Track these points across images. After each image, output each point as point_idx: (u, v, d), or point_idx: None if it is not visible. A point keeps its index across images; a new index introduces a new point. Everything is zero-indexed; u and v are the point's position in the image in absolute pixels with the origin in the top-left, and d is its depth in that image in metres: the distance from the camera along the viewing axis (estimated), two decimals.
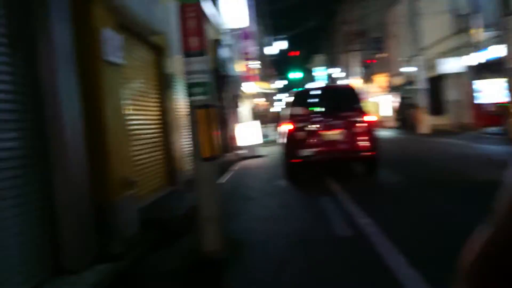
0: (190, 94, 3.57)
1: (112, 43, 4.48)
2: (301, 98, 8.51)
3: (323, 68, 51.38)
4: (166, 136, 6.74)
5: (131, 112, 5.13)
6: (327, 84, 33.36)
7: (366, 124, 7.48)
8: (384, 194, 6.23)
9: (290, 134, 7.65)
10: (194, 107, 3.56)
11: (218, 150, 3.64)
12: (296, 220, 5.06)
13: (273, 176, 9.04)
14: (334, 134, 7.48)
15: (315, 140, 7.49)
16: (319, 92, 8.83)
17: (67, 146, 3.49)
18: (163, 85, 6.85)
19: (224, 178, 9.27)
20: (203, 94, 3.58)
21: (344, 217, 4.90)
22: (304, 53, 53.35)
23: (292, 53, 47.15)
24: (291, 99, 8.53)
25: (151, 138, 5.82)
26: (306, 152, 7.46)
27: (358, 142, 7.41)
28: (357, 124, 7.44)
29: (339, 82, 35.43)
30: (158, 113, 6.59)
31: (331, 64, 47.85)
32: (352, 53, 35.02)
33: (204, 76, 3.59)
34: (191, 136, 3.59)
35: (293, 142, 7.59)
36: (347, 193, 6.23)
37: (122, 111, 4.75)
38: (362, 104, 7.83)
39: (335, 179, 7.50)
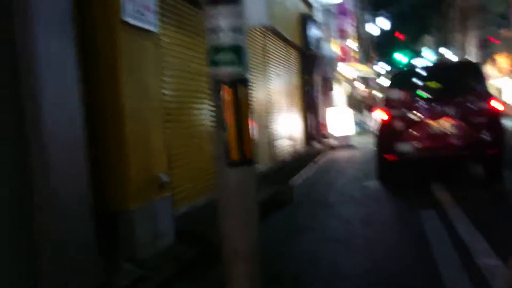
0: (213, 63, 2.33)
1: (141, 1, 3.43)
2: (403, 79, 6.77)
3: (433, 51, 46.28)
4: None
5: (171, 93, 4.07)
6: (438, 61, 29.51)
7: (492, 113, 5.54)
8: None
9: (385, 124, 6.04)
10: (218, 83, 2.32)
11: (252, 150, 2.34)
12: (383, 249, 3.57)
13: (363, 174, 7.46)
14: (445, 124, 5.67)
15: (418, 132, 5.78)
16: (427, 71, 6.87)
17: (50, 133, 2.50)
18: None
19: (304, 174, 7.95)
20: (233, 64, 2.31)
21: (458, 249, 3.30)
22: (411, 33, 48.50)
23: (397, 34, 43.02)
24: (391, 81, 6.84)
25: (199, 126, 4.71)
26: (405, 146, 5.80)
27: (480, 136, 5.52)
28: (479, 112, 5.53)
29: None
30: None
31: (442, 45, 42.78)
32: (469, 32, 30.60)
33: (236, 36, 2.31)
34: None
35: (388, 133, 5.97)
36: (461, 208, 4.50)
37: (156, 91, 3.71)
38: (487, 86, 5.85)
39: (444, 184, 5.71)
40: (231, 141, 2.31)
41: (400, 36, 43.50)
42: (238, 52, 2.35)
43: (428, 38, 51.19)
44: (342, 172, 8.03)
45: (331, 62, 14.70)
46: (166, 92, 3.93)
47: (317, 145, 12.40)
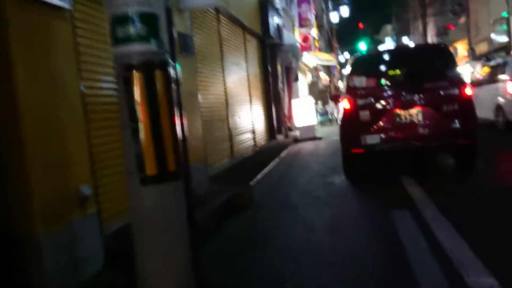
0: (117, 39, 1.67)
1: None
2: (366, 64, 6.26)
3: (392, 38, 46.83)
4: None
5: (94, 85, 3.34)
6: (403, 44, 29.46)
7: (464, 100, 5.13)
8: (499, 210, 3.93)
9: (348, 114, 5.51)
10: (125, 68, 1.66)
11: (177, 159, 1.69)
12: (353, 265, 3.02)
13: (328, 169, 6.98)
14: (414, 113, 5.21)
15: (385, 123, 5.30)
16: (392, 55, 6.34)
17: None
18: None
19: (266, 171, 7.38)
20: (145, 40, 1.66)
21: (440, 261, 2.79)
22: (372, 23, 48.86)
23: (360, 25, 43.14)
24: (352, 67, 6.28)
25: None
26: (371, 139, 5.30)
27: (451, 125, 5.10)
28: (451, 100, 5.10)
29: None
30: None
31: (402, 34, 43.32)
32: (427, 20, 30.90)
33: (144, 2, 1.65)
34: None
35: (352, 125, 5.46)
36: (436, 205, 4.05)
37: (72, 84, 2.98)
38: (458, 71, 5.45)
39: (415, 178, 5.27)
40: (145, 148, 1.66)
41: (360, 25, 43.74)
42: (151, 23, 1.69)
43: (389, 27, 51.84)
44: (307, 167, 7.51)
45: (294, 51, 14.18)
46: (87, 84, 3.20)
47: (281, 138, 11.86)
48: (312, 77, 21.14)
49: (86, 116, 3.12)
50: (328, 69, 29.49)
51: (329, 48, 30.48)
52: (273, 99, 11.81)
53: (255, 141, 9.24)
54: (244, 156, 7.78)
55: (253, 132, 9.18)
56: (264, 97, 10.94)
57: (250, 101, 9.21)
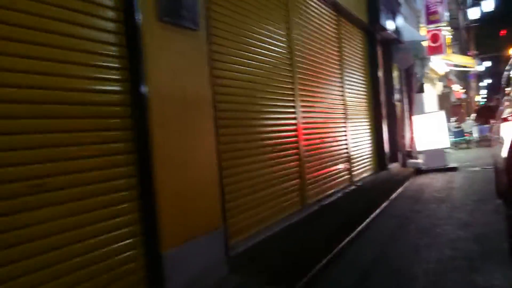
0: None
1: None
2: None
3: None
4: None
5: None
6: None
7: None
8: None
9: None
10: None
11: None
12: None
13: (474, 240, 3.79)
14: None
15: None
16: None
17: None
18: None
19: (352, 235, 4.43)
20: None
21: None
22: None
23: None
24: None
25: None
26: None
27: None
28: None
29: None
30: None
31: None
32: None
33: None
34: None
35: None
36: None
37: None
38: None
39: None
40: None
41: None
42: None
43: None
44: (433, 235, 4.31)
45: (418, 51, 10.70)
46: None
47: (395, 167, 8.61)
48: (443, 87, 16.98)
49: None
50: (464, 78, 24.37)
51: (464, 55, 25.32)
52: (386, 115, 8.67)
53: (351, 175, 6.30)
54: (325, 202, 4.93)
55: (349, 161, 6.26)
56: (370, 112, 7.91)
57: (345, 117, 6.33)
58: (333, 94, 5.95)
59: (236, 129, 3.43)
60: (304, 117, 4.79)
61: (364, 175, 7.08)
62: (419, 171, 9.03)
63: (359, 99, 7.28)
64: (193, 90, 2.78)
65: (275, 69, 4.25)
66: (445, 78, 17.67)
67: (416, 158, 9.70)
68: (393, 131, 9.11)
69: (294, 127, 4.57)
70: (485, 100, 36.60)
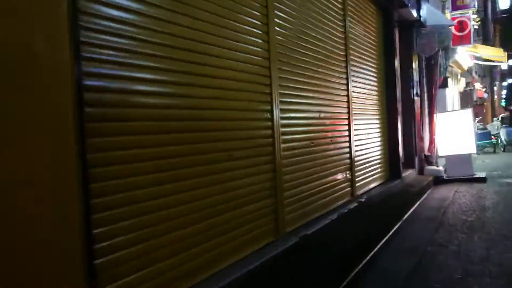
0: None
1: None
2: None
3: None
4: None
5: None
6: None
7: None
8: None
9: None
10: None
11: None
12: None
13: None
14: None
15: None
16: None
17: None
18: None
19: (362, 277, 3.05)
20: None
21: None
22: None
23: None
24: None
25: None
26: None
27: None
28: None
29: None
30: None
31: None
32: None
33: None
34: None
35: None
36: None
37: None
38: None
39: None
40: None
41: None
42: None
43: None
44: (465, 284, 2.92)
45: (443, 38, 9.13)
46: None
47: (411, 175, 7.17)
48: (467, 84, 15.31)
49: None
50: (487, 76, 22.47)
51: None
52: (401, 112, 7.22)
53: (353, 187, 4.90)
54: (309, 232, 3.53)
55: (351, 169, 4.85)
56: (383, 108, 6.47)
57: (349, 116, 4.91)
58: (333, 86, 4.54)
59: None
60: (284, 118, 3.40)
61: (372, 185, 5.67)
62: (439, 181, 7.56)
63: (369, 93, 5.84)
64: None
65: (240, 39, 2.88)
66: (468, 73, 15.98)
67: (436, 165, 8.22)
68: (410, 131, 7.65)
69: (269, 130, 3.20)
70: (506, 100, 34.29)
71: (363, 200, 4.93)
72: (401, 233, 4.37)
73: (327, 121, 4.33)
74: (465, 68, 14.35)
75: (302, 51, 3.81)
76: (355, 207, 4.57)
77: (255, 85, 3.06)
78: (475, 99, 23.31)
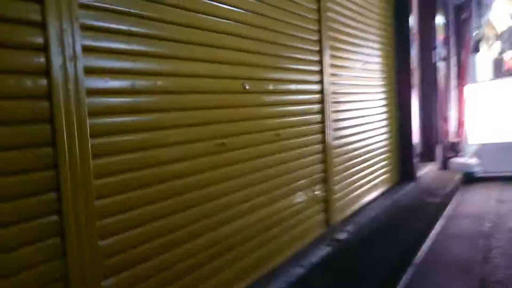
0: None
1: None
2: None
3: None
4: None
5: None
6: None
7: None
8: None
9: None
10: None
11: None
12: None
13: None
14: None
15: None
16: None
17: None
18: None
19: None
20: None
21: None
22: None
23: None
24: None
25: None
26: None
27: None
28: None
29: None
30: None
31: None
32: None
33: None
34: None
35: None
36: None
37: None
38: None
39: None
40: None
41: None
42: None
43: None
44: None
45: None
46: None
47: (431, 172, 5.09)
48: (502, 48, 12.84)
49: None
50: None
51: None
52: (419, 84, 5.09)
53: (329, 213, 2.88)
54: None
55: (325, 180, 2.84)
56: (389, 79, 4.34)
57: (322, 92, 2.84)
58: (295, 53, 2.47)
59: None
60: None
61: (368, 198, 3.63)
62: (471, 179, 5.43)
63: (364, 57, 3.71)
64: None
65: None
66: (504, 38, 13.45)
67: (465, 156, 6.07)
68: (430, 109, 5.51)
69: None
70: None
71: (344, 238, 2.89)
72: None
73: (264, 97, 2.27)
74: (499, 30, 11.84)
75: None
76: (328, 254, 2.54)
77: None
78: (504, 68, 20.58)
